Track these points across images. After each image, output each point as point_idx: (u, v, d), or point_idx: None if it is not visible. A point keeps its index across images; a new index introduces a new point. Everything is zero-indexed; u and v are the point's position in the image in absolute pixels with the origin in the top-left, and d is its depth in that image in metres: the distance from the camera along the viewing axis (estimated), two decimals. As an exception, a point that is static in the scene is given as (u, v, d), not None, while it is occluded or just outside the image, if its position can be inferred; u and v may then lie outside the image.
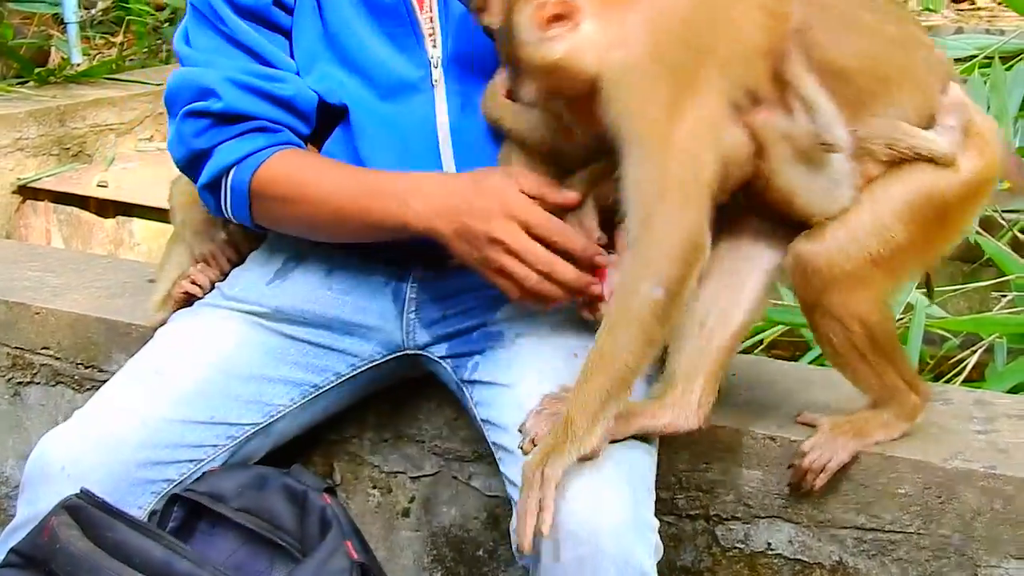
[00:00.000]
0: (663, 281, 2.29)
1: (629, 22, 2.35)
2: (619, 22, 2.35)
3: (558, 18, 2.35)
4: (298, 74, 2.73)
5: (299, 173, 2.65)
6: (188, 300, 2.93)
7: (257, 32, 2.71)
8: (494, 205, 2.50)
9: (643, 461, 2.51)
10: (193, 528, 2.58)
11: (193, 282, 2.94)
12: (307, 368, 2.78)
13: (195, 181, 2.73)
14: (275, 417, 2.75)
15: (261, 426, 2.74)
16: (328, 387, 2.81)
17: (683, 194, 2.31)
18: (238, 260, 2.96)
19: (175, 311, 2.93)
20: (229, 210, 2.71)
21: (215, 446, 2.68)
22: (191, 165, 2.72)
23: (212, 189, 2.70)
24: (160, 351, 2.77)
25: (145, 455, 2.60)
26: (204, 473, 2.65)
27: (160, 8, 7.85)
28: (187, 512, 2.59)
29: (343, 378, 2.82)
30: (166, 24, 7.72)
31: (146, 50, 7.68)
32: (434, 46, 2.72)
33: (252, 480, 2.63)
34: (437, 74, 2.71)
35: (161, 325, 2.88)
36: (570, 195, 2.54)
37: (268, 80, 2.68)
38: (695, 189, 2.31)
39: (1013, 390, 3.63)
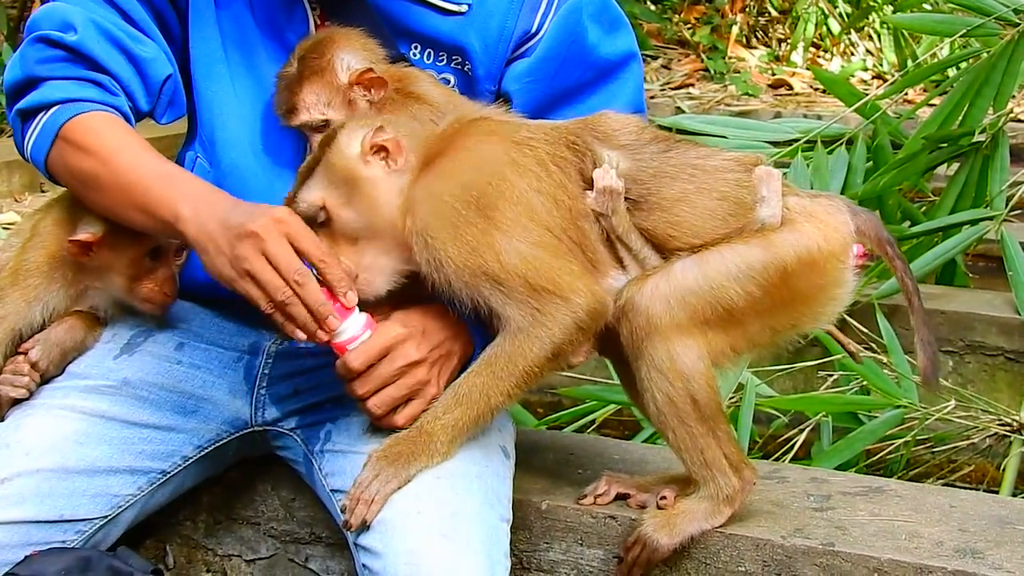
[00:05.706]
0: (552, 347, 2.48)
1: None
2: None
3: (382, 150, 2.51)
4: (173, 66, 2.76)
5: (112, 133, 2.63)
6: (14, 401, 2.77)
7: (142, 6, 2.74)
8: (261, 210, 2.45)
9: (499, 527, 2.53)
10: (16, 613, 2.49)
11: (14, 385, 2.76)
12: (153, 456, 2.71)
13: (11, 106, 2.72)
14: (123, 508, 2.68)
15: (109, 518, 2.67)
16: (175, 471, 2.75)
17: None
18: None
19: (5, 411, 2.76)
20: (30, 144, 2.68)
21: (63, 542, 2.59)
22: (17, 89, 2.71)
23: (25, 118, 2.69)
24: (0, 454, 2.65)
25: None
26: (26, 557, 2.55)
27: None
28: (9, 596, 2.50)
29: (190, 461, 2.76)
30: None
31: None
32: None
33: (75, 564, 2.52)
34: None
35: None
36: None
37: (130, 37, 2.71)
38: None
39: (839, 468, 3.70)
